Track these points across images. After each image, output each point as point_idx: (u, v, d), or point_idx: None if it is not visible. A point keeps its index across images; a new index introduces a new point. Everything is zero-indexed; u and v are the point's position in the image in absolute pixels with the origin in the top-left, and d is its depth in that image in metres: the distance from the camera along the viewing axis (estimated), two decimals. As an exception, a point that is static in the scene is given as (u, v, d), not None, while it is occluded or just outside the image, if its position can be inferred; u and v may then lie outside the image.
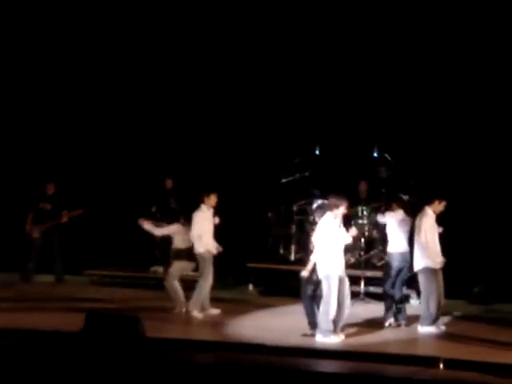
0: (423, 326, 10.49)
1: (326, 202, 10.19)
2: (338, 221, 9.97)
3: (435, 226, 10.65)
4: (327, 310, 9.63)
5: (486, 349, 9.41)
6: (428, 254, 10.45)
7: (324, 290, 9.74)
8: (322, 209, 10.11)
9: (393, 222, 10.98)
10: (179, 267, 11.55)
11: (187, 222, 11.58)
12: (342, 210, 9.87)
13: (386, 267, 11.13)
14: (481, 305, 12.57)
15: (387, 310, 10.87)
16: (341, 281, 9.77)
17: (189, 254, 11.42)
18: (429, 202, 10.65)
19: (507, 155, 13.36)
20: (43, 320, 10.15)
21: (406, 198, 11.17)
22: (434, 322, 10.45)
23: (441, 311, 10.59)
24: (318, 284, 9.86)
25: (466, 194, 12.96)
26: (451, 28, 13.63)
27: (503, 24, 13.30)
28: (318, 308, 9.79)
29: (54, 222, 14.32)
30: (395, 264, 10.84)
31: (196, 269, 11.54)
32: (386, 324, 10.73)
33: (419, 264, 10.54)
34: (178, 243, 11.64)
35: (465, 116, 13.67)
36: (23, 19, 15.41)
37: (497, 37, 13.36)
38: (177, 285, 11.48)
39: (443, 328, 10.57)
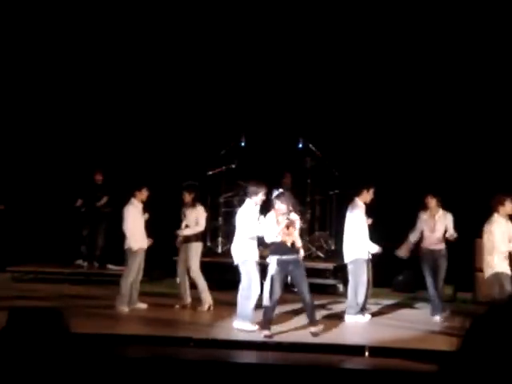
0: (349, 314, 10.61)
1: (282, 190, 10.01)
2: (258, 208, 10.00)
3: (365, 217, 10.76)
4: (248, 295, 9.67)
5: (410, 336, 9.58)
6: (360, 245, 10.57)
7: (243, 277, 9.79)
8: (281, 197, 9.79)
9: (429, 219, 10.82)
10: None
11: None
12: (260, 196, 9.88)
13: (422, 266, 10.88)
14: (405, 292, 12.81)
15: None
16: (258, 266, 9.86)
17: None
18: (357, 193, 10.76)
19: (424, 141, 13.63)
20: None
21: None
22: (360, 310, 10.58)
23: (367, 300, 10.75)
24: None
25: (389, 180, 13.13)
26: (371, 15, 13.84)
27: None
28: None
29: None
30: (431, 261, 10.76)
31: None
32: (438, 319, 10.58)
33: (351, 255, 10.65)
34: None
35: (386, 104, 13.89)
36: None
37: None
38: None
39: (369, 316, 10.71)
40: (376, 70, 13.93)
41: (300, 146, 14.02)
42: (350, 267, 10.74)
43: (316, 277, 12.68)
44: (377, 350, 8.62)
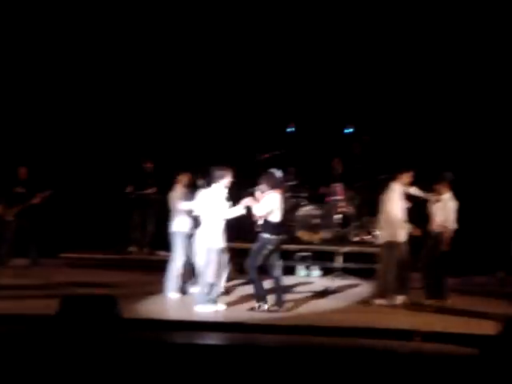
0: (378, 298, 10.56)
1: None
2: (225, 193, 10.03)
3: (401, 200, 10.69)
4: (206, 281, 9.82)
5: (458, 321, 9.49)
6: (400, 227, 10.51)
7: (204, 262, 9.88)
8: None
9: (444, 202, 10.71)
10: None
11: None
12: (227, 179, 9.96)
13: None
14: (457, 277, 12.66)
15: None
16: (221, 253, 9.96)
17: None
18: (393, 178, 10.72)
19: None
20: (18, 304, 10.06)
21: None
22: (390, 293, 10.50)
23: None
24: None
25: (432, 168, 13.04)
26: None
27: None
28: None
29: (26, 203, 14.12)
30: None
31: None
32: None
33: (385, 237, 10.58)
34: None
35: (432, 90, 13.81)
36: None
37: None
38: None
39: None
40: (416, 58, 13.87)
41: (348, 131, 13.97)
42: (383, 250, 10.64)
43: (365, 261, 12.65)
44: (427, 336, 8.54)
